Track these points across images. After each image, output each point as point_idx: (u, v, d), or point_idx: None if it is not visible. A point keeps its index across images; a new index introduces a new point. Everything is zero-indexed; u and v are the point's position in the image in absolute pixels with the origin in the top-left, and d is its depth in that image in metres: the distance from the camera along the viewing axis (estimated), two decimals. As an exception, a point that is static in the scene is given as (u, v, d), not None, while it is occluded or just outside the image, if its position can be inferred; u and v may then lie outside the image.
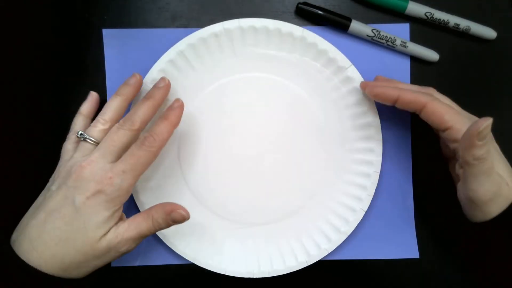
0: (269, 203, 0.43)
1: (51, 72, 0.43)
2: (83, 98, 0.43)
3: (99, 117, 0.38)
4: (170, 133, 0.37)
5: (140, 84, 0.40)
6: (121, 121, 0.37)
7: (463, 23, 0.43)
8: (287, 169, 0.43)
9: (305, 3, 0.42)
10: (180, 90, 0.42)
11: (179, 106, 0.38)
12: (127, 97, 0.39)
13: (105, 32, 0.43)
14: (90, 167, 0.35)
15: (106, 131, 0.37)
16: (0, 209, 0.43)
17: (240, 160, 0.43)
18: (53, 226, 0.34)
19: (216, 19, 0.43)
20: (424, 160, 0.44)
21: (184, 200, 0.42)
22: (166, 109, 0.38)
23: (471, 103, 0.45)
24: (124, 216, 0.37)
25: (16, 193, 0.43)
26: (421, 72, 0.44)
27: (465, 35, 0.44)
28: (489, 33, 0.44)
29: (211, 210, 0.43)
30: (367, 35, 0.42)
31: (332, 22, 0.42)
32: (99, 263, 0.36)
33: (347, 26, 0.42)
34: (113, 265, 0.44)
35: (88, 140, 0.37)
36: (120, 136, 0.36)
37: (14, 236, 0.35)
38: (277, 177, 0.43)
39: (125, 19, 0.43)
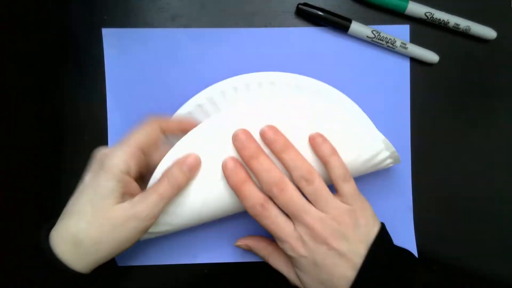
0: None
1: (51, 72, 0.43)
2: (83, 98, 0.43)
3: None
4: (176, 123, 0.39)
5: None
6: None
7: (463, 23, 0.43)
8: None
9: (305, 4, 0.42)
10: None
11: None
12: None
13: (105, 31, 0.43)
14: (104, 150, 0.36)
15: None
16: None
17: None
18: (69, 203, 0.35)
19: (216, 19, 0.43)
20: (423, 160, 0.45)
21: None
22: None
23: (471, 104, 0.45)
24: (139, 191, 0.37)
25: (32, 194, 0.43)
26: (421, 73, 0.44)
27: (465, 35, 0.44)
28: (489, 33, 0.44)
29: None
30: (367, 36, 0.42)
31: (332, 23, 0.42)
32: (118, 236, 0.34)
33: (347, 27, 0.42)
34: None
35: None
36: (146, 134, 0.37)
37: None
38: None
39: (125, 19, 0.43)
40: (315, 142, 0.37)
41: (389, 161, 0.40)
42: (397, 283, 0.35)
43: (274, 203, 0.36)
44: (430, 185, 0.45)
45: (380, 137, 0.39)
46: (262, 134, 0.36)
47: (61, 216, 0.35)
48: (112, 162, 0.34)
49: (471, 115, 0.45)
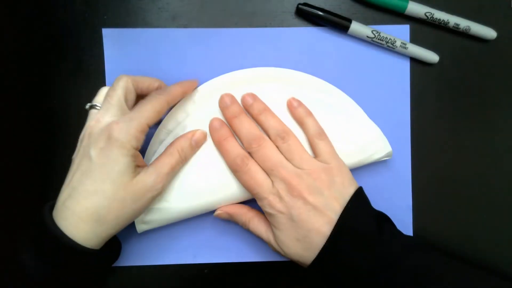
0: None
1: (51, 71, 0.43)
2: (83, 97, 0.43)
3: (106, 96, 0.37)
4: (180, 93, 0.39)
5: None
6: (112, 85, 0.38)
7: (463, 23, 0.43)
8: None
9: (305, 4, 0.42)
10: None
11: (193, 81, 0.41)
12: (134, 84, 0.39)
13: (105, 31, 0.43)
14: (98, 123, 0.36)
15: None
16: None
17: None
18: (79, 183, 0.34)
19: (216, 19, 0.43)
20: (424, 160, 0.45)
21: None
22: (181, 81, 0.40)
23: (471, 104, 0.45)
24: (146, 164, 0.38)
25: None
26: (421, 73, 0.44)
27: (465, 35, 0.44)
28: (489, 33, 0.44)
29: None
30: (367, 36, 0.42)
31: (332, 23, 0.42)
32: (138, 207, 0.36)
33: (347, 27, 0.42)
34: (114, 265, 0.44)
35: (95, 107, 0.38)
36: (110, 91, 0.37)
37: (55, 208, 0.35)
38: None
39: (125, 19, 0.43)
40: (291, 105, 0.41)
41: (381, 150, 0.42)
42: (374, 242, 0.36)
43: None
44: (430, 184, 0.45)
45: (373, 125, 0.42)
46: (242, 99, 0.41)
47: (68, 196, 0.34)
48: (125, 138, 0.34)
49: (471, 115, 0.45)
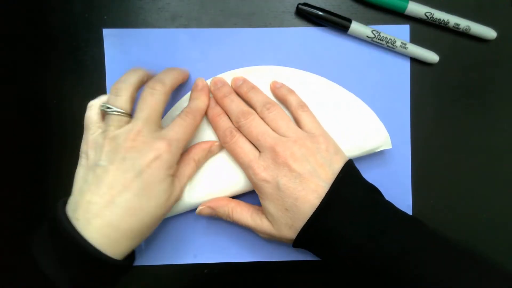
0: None
1: (51, 71, 0.43)
2: (83, 97, 0.43)
3: (116, 91, 0.37)
4: (206, 106, 0.40)
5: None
6: (150, 83, 0.37)
7: (463, 23, 0.43)
8: None
9: (305, 4, 0.42)
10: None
11: (204, 85, 0.41)
12: (140, 71, 0.38)
13: (105, 32, 0.43)
14: (141, 138, 0.35)
15: (132, 98, 0.37)
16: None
17: None
18: (123, 199, 0.34)
19: (216, 19, 0.43)
20: (424, 160, 0.45)
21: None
22: (193, 91, 0.41)
23: (471, 104, 0.45)
24: None
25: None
26: (421, 73, 0.44)
27: (465, 35, 0.44)
28: (489, 33, 0.44)
29: None
30: (367, 36, 0.42)
31: (332, 23, 0.42)
32: (164, 217, 0.38)
33: (347, 27, 0.42)
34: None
35: (118, 112, 0.36)
36: (157, 100, 0.36)
37: (75, 215, 0.34)
38: None
39: (125, 19, 0.43)
40: (274, 86, 0.42)
41: (379, 137, 0.42)
42: (366, 213, 0.35)
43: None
44: (430, 185, 0.45)
45: (373, 115, 0.42)
46: (232, 81, 0.42)
47: (107, 209, 0.33)
48: (173, 160, 0.36)
49: (471, 115, 0.45)
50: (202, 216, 0.43)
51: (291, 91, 0.41)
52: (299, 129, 0.39)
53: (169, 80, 0.38)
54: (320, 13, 0.42)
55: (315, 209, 0.35)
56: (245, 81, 0.42)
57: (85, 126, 0.38)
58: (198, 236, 0.44)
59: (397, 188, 0.45)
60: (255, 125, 0.39)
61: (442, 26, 0.43)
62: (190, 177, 0.40)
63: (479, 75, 0.45)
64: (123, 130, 0.35)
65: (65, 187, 0.43)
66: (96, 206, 0.33)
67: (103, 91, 0.43)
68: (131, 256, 0.36)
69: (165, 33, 0.43)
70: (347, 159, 0.38)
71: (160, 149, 0.35)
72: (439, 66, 0.44)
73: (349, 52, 0.43)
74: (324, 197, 0.35)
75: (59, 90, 0.43)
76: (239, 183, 0.41)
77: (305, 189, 0.36)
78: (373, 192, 0.38)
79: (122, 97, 0.36)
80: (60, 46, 0.43)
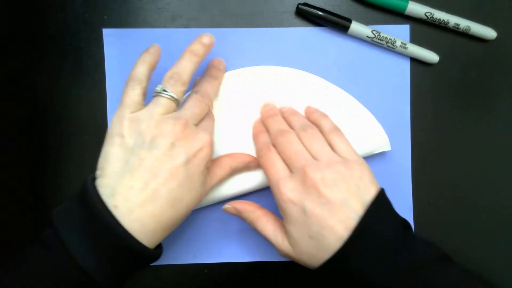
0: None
1: (51, 71, 0.43)
2: (83, 97, 0.43)
3: (179, 77, 0.36)
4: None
5: (211, 45, 0.39)
6: (203, 92, 0.38)
7: (463, 23, 0.43)
8: None
9: (305, 4, 0.42)
10: None
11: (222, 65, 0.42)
12: (200, 59, 0.38)
13: (105, 32, 0.43)
14: (189, 126, 0.35)
15: (186, 87, 0.37)
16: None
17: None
18: (168, 188, 0.33)
19: (216, 19, 0.43)
20: (424, 160, 0.45)
21: None
22: (211, 69, 0.41)
23: (471, 104, 0.45)
24: None
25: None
26: (421, 73, 0.44)
27: (465, 35, 0.44)
28: (489, 33, 0.44)
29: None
30: (367, 36, 0.42)
31: (332, 23, 0.42)
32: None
33: (347, 27, 0.42)
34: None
35: (172, 97, 0.35)
36: (202, 110, 0.37)
37: (113, 201, 0.32)
38: None
39: (125, 19, 0.43)
40: (308, 111, 0.42)
41: (378, 140, 0.42)
42: (397, 250, 0.33)
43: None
44: (431, 185, 0.45)
45: (371, 117, 0.43)
46: (280, 108, 0.43)
47: (149, 200, 0.32)
48: (211, 155, 0.37)
49: (471, 115, 0.45)
50: (202, 216, 0.43)
51: (325, 115, 0.41)
52: (333, 153, 0.37)
53: (214, 95, 0.40)
54: (320, 13, 0.42)
55: (342, 243, 0.32)
56: (290, 108, 0.42)
57: (123, 103, 0.35)
58: (198, 236, 0.44)
59: (397, 188, 0.45)
60: (290, 143, 0.37)
61: (442, 26, 0.43)
62: (221, 181, 0.40)
63: (479, 75, 0.45)
64: (172, 116, 0.35)
65: (64, 187, 0.43)
66: (138, 194, 0.32)
67: (103, 91, 0.43)
68: (159, 246, 0.36)
69: (165, 33, 0.43)
70: (380, 189, 0.35)
71: (204, 141, 0.35)
72: (439, 66, 0.44)
73: (349, 52, 0.43)
74: (353, 232, 0.32)
75: (59, 90, 0.43)
76: (257, 178, 0.42)
77: (333, 218, 0.33)
78: (404, 227, 0.35)
79: (178, 84, 0.36)
80: (60, 46, 0.43)
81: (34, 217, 0.43)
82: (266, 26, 0.43)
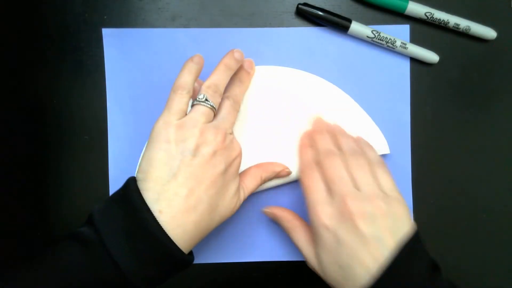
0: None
1: (51, 71, 0.43)
2: (83, 97, 0.43)
3: (217, 88, 0.37)
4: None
5: (242, 61, 0.40)
6: (235, 98, 0.39)
7: (463, 23, 0.43)
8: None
9: (305, 4, 0.42)
10: None
11: (253, 69, 0.42)
12: (232, 72, 0.39)
13: (105, 31, 0.43)
14: (228, 136, 0.36)
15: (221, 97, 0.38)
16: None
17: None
18: (209, 195, 0.34)
19: (216, 19, 0.43)
20: (424, 160, 0.45)
21: None
22: (242, 73, 0.41)
23: (471, 103, 0.45)
24: None
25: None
26: (421, 73, 0.44)
27: (465, 35, 0.44)
28: (489, 33, 0.44)
29: None
30: (367, 36, 0.42)
31: (332, 23, 0.42)
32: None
33: (347, 27, 0.42)
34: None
35: (212, 107, 0.36)
36: (234, 116, 0.38)
37: (158, 206, 0.32)
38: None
39: (125, 19, 0.43)
40: (358, 139, 0.41)
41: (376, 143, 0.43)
42: None
43: None
44: (431, 185, 0.45)
45: (370, 121, 0.43)
46: (329, 125, 0.43)
47: (193, 208, 0.33)
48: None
49: (471, 115, 0.45)
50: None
51: (369, 146, 0.40)
52: (376, 186, 0.36)
53: (242, 99, 0.41)
54: (320, 13, 0.42)
55: (372, 281, 0.32)
56: (339, 127, 0.42)
57: (170, 110, 0.35)
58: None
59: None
60: (334, 166, 0.36)
61: (442, 26, 0.43)
62: (252, 192, 0.40)
63: (479, 75, 0.45)
64: (213, 125, 0.36)
65: (64, 187, 0.43)
66: (183, 201, 0.33)
67: (103, 91, 0.43)
68: (191, 252, 0.36)
69: (165, 33, 0.43)
70: (415, 229, 0.34)
71: (238, 150, 0.37)
72: (439, 66, 0.44)
73: (349, 52, 0.44)
74: (384, 270, 0.32)
75: (58, 90, 0.43)
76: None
77: (365, 251, 0.33)
78: (435, 270, 0.35)
79: (217, 95, 0.37)
80: (60, 46, 0.43)
81: (34, 217, 0.43)
82: (266, 26, 0.43)
